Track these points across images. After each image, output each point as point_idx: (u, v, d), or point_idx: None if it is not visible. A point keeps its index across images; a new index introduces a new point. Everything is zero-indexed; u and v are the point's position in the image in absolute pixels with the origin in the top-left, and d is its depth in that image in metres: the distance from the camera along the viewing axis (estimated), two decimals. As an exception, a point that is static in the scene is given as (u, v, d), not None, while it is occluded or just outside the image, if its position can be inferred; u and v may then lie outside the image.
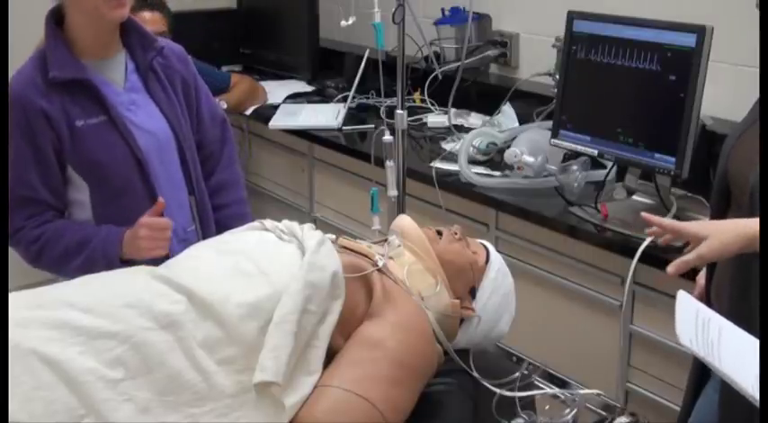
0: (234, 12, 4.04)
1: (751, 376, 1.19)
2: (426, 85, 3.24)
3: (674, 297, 2.06)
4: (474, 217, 2.57)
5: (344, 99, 3.32)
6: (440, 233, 1.78)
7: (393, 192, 2.26)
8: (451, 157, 2.68)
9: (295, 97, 3.53)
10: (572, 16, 2.38)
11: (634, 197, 2.31)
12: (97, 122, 1.89)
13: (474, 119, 3.12)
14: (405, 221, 1.78)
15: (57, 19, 1.91)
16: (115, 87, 1.95)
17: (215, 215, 2.14)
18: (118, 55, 1.97)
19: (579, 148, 2.37)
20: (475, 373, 1.62)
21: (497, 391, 1.59)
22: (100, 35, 1.93)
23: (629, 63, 2.22)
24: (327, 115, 3.26)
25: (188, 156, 2.05)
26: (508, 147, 2.52)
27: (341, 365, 1.42)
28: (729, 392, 1.48)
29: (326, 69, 3.78)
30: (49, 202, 1.90)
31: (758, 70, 1.58)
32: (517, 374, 1.65)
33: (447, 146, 2.87)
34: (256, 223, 1.68)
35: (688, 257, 1.52)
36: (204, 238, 2.08)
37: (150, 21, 2.87)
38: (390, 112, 2.58)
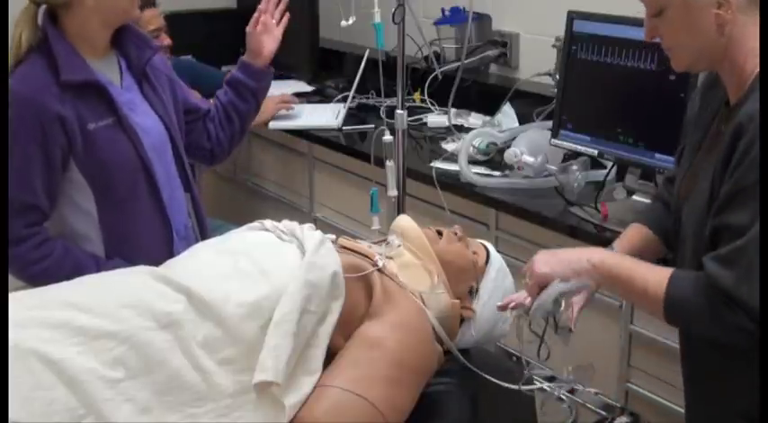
0: (234, 12, 4.04)
1: None
2: (426, 85, 3.24)
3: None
4: (474, 217, 2.57)
5: (344, 99, 3.32)
6: (440, 233, 1.78)
7: (393, 192, 2.26)
8: (451, 157, 2.68)
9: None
10: (572, 16, 2.38)
11: (634, 197, 2.31)
12: (106, 124, 1.88)
13: (474, 119, 3.11)
14: (405, 222, 1.78)
15: (51, 19, 1.88)
16: (117, 87, 1.95)
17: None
18: (111, 54, 1.97)
19: (579, 148, 2.37)
20: (476, 370, 1.62)
21: (500, 383, 1.59)
22: (101, 35, 1.92)
23: (629, 63, 2.22)
24: (327, 115, 3.26)
25: (182, 153, 2.06)
26: (508, 147, 2.52)
27: (341, 365, 1.42)
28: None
29: (326, 69, 3.78)
30: (44, 209, 1.86)
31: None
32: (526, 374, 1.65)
33: (447, 146, 2.87)
34: (256, 223, 1.68)
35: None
36: (200, 233, 2.10)
37: (154, 18, 2.90)
38: (390, 112, 2.58)
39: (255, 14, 2.25)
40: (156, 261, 1.57)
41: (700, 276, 1.37)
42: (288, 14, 2.31)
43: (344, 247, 1.66)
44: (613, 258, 1.52)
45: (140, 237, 1.95)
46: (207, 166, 2.45)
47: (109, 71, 1.95)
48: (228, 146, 2.28)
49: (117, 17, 1.91)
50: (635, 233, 1.76)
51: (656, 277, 1.43)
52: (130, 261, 1.88)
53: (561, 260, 1.54)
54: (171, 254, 1.93)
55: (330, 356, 1.43)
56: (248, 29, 2.25)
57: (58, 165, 1.85)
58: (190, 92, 2.25)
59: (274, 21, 2.28)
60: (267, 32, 2.26)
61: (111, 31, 1.94)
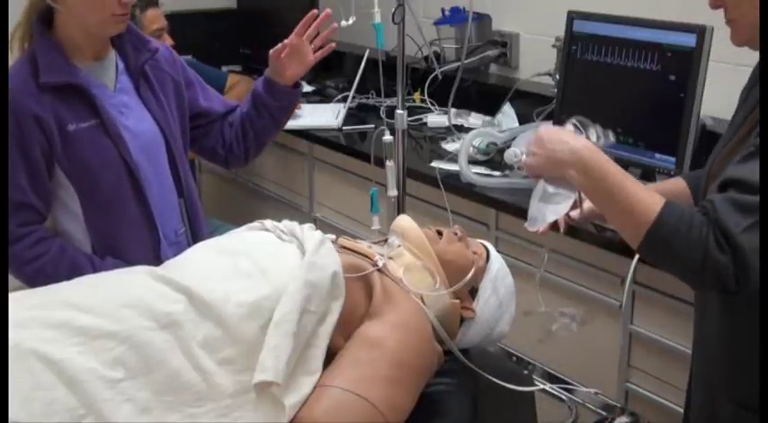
0: (234, 12, 4.04)
1: None
2: (426, 85, 3.24)
3: (674, 297, 2.08)
4: (474, 217, 2.57)
5: (344, 99, 3.33)
6: (440, 233, 1.78)
7: (393, 192, 2.26)
8: (451, 157, 2.68)
9: (295, 97, 3.52)
10: (572, 16, 2.38)
11: (634, 197, 2.31)
12: (88, 126, 1.86)
13: (474, 119, 3.12)
14: (405, 222, 1.78)
15: (45, 20, 1.87)
16: (107, 90, 1.93)
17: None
18: (109, 56, 1.96)
19: (579, 148, 2.36)
20: (477, 370, 1.62)
21: (501, 383, 1.59)
22: (94, 41, 1.91)
23: (629, 63, 2.22)
24: (327, 115, 3.26)
25: (177, 158, 2.03)
26: (508, 147, 2.52)
27: (341, 365, 1.42)
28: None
29: (326, 69, 3.78)
30: (38, 208, 1.86)
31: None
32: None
33: (447, 146, 2.87)
34: (256, 223, 1.68)
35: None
36: (195, 240, 2.07)
37: (157, 18, 2.90)
38: (390, 112, 2.58)
39: (279, 46, 2.05)
40: (143, 263, 1.57)
41: (695, 213, 1.31)
42: (333, 45, 2.12)
43: (344, 247, 1.66)
44: (601, 160, 1.38)
45: (126, 239, 1.94)
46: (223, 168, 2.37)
47: (103, 73, 1.94)
48: (244, 156, 2.20)
49: (93, 28, 1.88)
50: (673, 182, 1.73)
51: (648, 199, 1.34)
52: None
53: (548, 156, 1.44)
54: (158, 257, 1.92)
55: (330, 356, 1.43)
56: (271, 52, 2.06)
57: (40, 164, 1.84)
58: (208, 92, 2.18)
59: (313, 46, 2.11)
60: (295, 56, 2.10)
61: (98, 39, 1.92)
